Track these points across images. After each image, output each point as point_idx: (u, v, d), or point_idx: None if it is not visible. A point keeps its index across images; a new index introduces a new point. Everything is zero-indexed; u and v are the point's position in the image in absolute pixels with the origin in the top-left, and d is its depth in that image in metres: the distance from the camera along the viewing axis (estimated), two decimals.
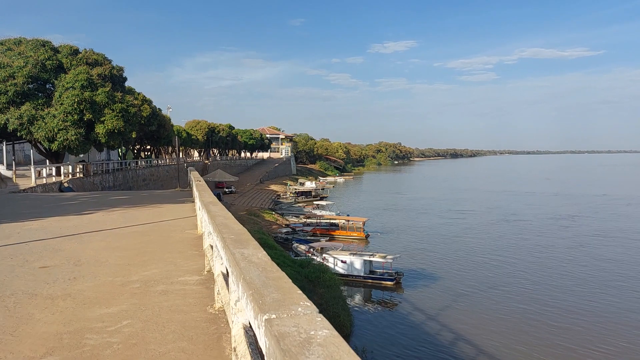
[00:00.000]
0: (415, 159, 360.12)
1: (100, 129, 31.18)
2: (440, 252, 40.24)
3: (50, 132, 29.01)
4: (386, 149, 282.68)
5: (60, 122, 29.17)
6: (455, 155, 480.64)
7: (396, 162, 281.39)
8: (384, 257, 33.52)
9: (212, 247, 6.17)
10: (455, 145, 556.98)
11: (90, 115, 30.59)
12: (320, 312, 2.11)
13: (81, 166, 34.78)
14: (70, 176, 32.04)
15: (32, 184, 24.97)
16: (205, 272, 6.21)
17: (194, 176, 14.87)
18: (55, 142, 29.50)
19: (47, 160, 34.02)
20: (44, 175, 27.19)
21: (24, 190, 22.63)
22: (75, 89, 30.19)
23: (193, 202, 15.79)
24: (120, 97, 32.05)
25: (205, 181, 61.28)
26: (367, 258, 33.79)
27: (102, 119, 31.16)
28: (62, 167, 30.78)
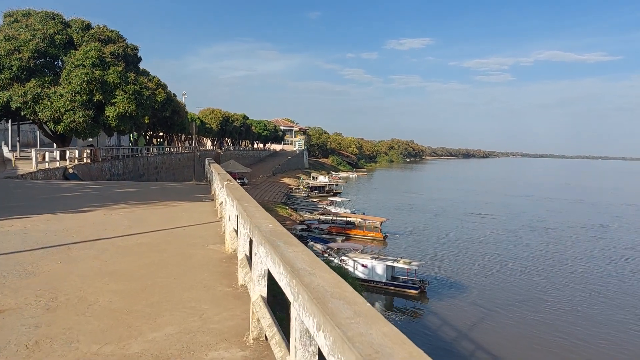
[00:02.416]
0: (428, 157, 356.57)
1: (110, 112, 28.91)
2: (466, 260, 37.66)
3: (56, 112, 26.77)
4: (399, 146, 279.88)
5: (68, 102, 26.92)
6: (467, 155, 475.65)
7: (408, 160, 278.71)
8: (409, 263, 31.07)
9: (262, 298, 3.75)
10: (467, 145, 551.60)
11: (100, 96, 28.31)
12: None
13: (89, 151, 32.54)
14: (76, 161, 29.80)
15: (33, 168, 22.73)
16: (252, 340, 3.79)
17: (216, 171, 12.44)
18: (62, 123, 27.28)
19: (55, 144, 31.86)
20: (47, 159, 24.93)
21: (21, 175, 20.41)
22: (85, 66, 27.90)
23: (212, 200, 13.43)
24: (133, 78, 29.73)
25: None
26: (390, 263, 31.35)
27: (112, 100, 28.87)
28: (67, 152, 28.54)
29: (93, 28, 31.23)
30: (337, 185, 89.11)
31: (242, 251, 5.20)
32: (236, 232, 6.06)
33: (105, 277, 5.61)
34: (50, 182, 19.24)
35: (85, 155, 32.27)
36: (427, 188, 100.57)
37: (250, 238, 4.33)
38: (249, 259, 4.98)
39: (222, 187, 8.57)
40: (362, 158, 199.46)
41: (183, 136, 71.10)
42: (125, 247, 7.44)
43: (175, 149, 62.03)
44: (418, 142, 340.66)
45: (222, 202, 9.46)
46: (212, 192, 14.16)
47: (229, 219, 7.08)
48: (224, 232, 8.13)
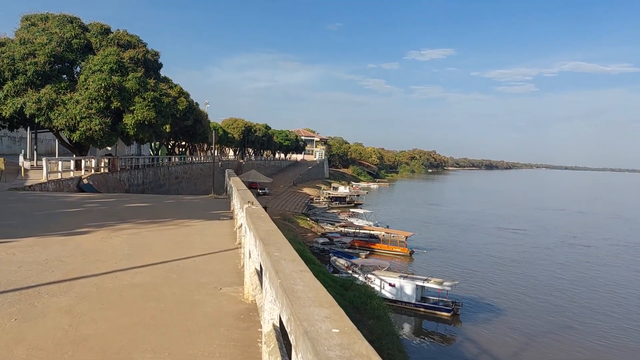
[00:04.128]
0: (450, 168, 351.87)
1: (128, 120, 27.61)
2: (500, 279, 35.24)
3: (72, 120, 25.55)
4: (420, 157, 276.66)
5: (84, 109, 25.69)
6: (490, 166, 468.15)
7: (430, 171, 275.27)
8: (440, 283, 28.91)
9: None
10: (490, 156, 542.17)
11: (119, 104, 27.04)
12: None
13: (106, 160, 31.38)
14: (92, 171, 28.59)
15: (43, 179, 21.42)
16: None
17: (236, 186, 10.68)
18: (77, 131, 26.04)
19: (73, 154, 30.76)
20: (60, 169, 23.66)
21: (29, 186, 19.09)
22: (102, 72, 26.70)
23: (231, 218, 11.75)
24: (153, 85, 28.43)
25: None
26: (420, 283, 29.22)
27: (131, 107, 27.59)
28: (82, 161, 27.31)
29: (112, 32, 30.16)
30: (358, 196, 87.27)
31: (269, 319, 3.42)
32: (259, 277, 4.33)
33: (66, 353, 3.87)
34: (57, 195, 17.78)
35: (102, 164, 31.12)
36: (451, 200, 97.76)
37: (279, 315, 2.54)
38: (279, 334, 3.21)
39: (241, 209, 6.86)
40: (383, 168, 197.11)
41: (205, 146, 70.17)
42: (114, 290, 5.73)
43: (197, 159, 61.05)
44: (440, 153, 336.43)
45: (241, 225, 7.77)
46: (232, 209, 12.50)
47: (249, 256, 5.34)
48: (243, 266, 6.40)
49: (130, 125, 27.40)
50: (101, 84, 26.15)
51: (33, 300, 5.24)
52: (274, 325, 3.40)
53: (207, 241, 9.05)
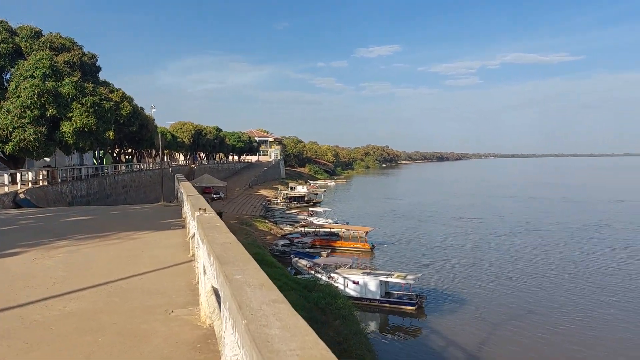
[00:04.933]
0: (403, 162, 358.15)
1: (66, 127, 25.78)
2: (461, 268, 35.53)
3: (3, 130, 23.57)
4: (374, 152, 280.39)
5: (16, 119, 23.76)
6: (441, 158, 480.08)
7: (384, 165, 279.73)
8: (404, 277, 28.73)
9: None
10: (441, 148, 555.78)
11: (54, 111, 25.18)
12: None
13: (45, 172, 29.27)
14: (30, 185, 26.53)
15: None
16: None
17: (186, 191, 9.68)
18: (10, 143, 24.05)
19: (8, 167, 28.48)
20: None
21: None
22: (35, 78, 24.79)
23: (183, 227, 10.76)
24: (91, 89, 26.68)
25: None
26: (383, 278, 28.92)
27: (69, 114, 25.78)
28: (19, 174, 25.27)
29: (44, 36, 28.14)
30: (316, 194, 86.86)
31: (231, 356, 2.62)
32: (217, 297, 3.55)
33: None
34: None
35: (41, 177, 29.01)
36: (407, 193, 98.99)
37: None
38: None
39: (193, 217, 5.99)
40: (339, 165, 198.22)
41: (154, 152, 67.62)
42: (42, 323, 4.75)
43: (145, 166, 58.68)
44: (393, 148, 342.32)
45: (194, 235, 6.89)
46: (183, 216, 11.52)
47: (204, 272, 4.52)
48: (198, 282, 5.55)
49: (69, 133, 25.59)
50: (34, 91, 24.27)
51: None
52: None
53: (156, 255, 8.08)
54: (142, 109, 48.42)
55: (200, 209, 5.57)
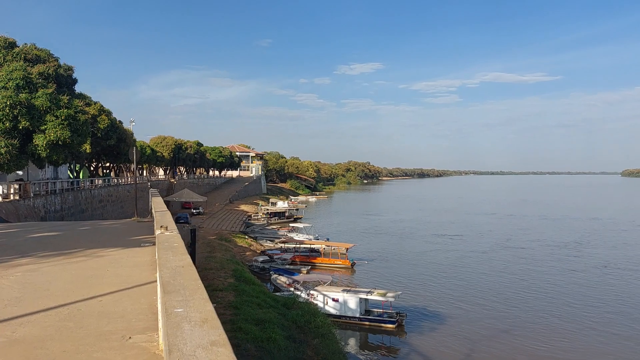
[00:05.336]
0: (384, 178, 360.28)
1: (39, 140, 25.07)
2: (442, 286, 35.41)
3: None
4: (355, 168, 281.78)
5: None
6: (422, 175, 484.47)
7: (365, 181, 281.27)
8: (384, 295, 28.43)
9: None
10: (421, 165, 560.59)
11: (27, 123, 24.48)
12: None
13: (17, 186, 28.41)
14: (0, 199, 25.69)
15: None
16: None
17: (156, 206, 9.28)
18: None
19: None
20: None
21: None
22: (7, 89, 24.12)
23: (154, 244, 10.32)
24: (66, 102, 26.07)
25: (172, 201, 54.16)
26: (363, 296, 28.58)
27: (42, 127, 25.09)
28: None
29: (18, 47, 27.53)
30: (297, 210, 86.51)
31: None
32: None
33: None
34: None
35: (12, 190, 28.15)
36: (388, 209, 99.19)
37: None
38: None
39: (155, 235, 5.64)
40: (321, 181, 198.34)
41: (132, 166, 66.56)
42: None
43: (124, 180, 57.63)
44: (374, 164, 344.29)
45: None
46: (155, 233, 11.06)
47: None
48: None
49: (42, 146, 24.88)
50: (6, 102, 23.60)
51: None
52: None
53: (121, 274, 7.65)
54: (120, 122, 47.71)
55: (161, 227, 5.23)
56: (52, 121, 25.09)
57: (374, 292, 28.66)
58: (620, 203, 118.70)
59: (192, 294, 2.32)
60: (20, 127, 24.48)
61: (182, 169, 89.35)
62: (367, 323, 27.94)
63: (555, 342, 24.64)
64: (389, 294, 28.47)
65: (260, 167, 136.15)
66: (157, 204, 10.63)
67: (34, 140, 25.28)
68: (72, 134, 25.83)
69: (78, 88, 32.36)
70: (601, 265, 42.05)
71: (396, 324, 27.26)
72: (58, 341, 4.69)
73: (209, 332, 1.67)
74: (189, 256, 3.49)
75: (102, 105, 41.26)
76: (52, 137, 25.05)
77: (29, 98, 24.60)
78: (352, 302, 28.34)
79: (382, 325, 27.55)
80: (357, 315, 28.05)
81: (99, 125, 39.34)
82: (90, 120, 30.19)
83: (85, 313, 5.63)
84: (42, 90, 25.14)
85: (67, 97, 26.37)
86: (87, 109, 31.62)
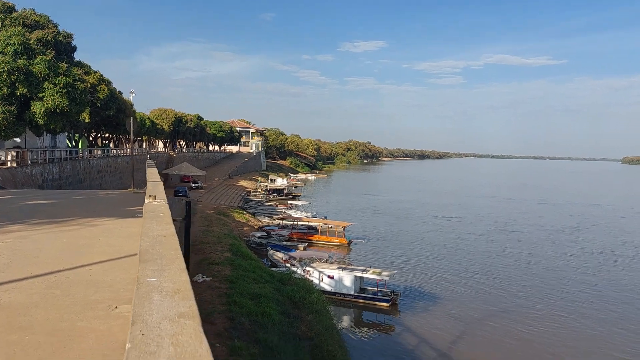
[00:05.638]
0: (384, 158, 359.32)
1: (37, 108, 24.77)
2: (438, 266, 35.56)
3: None
4: (355, 148, 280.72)
5: None
6: (422, 156, 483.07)
7: (365, 161, 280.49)
8: (379, 273, 28.62)
9: None
10: (422, 146, 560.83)
11: (25, 90, 24.15)
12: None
13: (14, 153, 28.23)
14: None
15: None
16: None
17: (149, 177, 9.15)
18: None
19: None
20: None
21: None
22: (5, 54, 23.72)
23: None
24: (65, 69, 25.68)
25: (170, 174, 53.97)
26: (358, 274, 28.76)
27: (40, 94, 24.76)
28: None
29: (17, 11, 27.00)
30: (296, 187, 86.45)
31: None
32: None
33: None
34: None
35: (9, 158, 27.98)
36: (387, 189, 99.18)
37: None
38: None
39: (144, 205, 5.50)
40: (320, 160, 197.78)
41: (132, 137, 66.22)
42: None
43: (123, 151, 57.40)
44: (374, 144, 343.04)
45: None
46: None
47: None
48: None
49: (40, 113, 24.61)
50: (4, 68, 23.21)
51: None
52: None
53: (113, 244, 7.56)
54: (120, 93, 47.25)
55: (150, 196, 5.11)
56: (50, 89, 24.75)
57: (369, 271, 28.83)
58: (619, 190, 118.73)
59: (169, 263, 2.20)
60: (18, 94, 24.15)
61: (182, 142, 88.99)
62: (361, 301, 28.17)
63: (547, 326, 24.84)
64: (384, 273, 28.66)
65: (260, 144, 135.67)
66: (152, 174, 10.51)
67: (31, 108, 24.98)
68: (70, 102, 25.51)
69: (77, 56, 31.90)
70: (598, 251, 42.21)
71: (390, 302, 27.49)
72: (43, 309, 4.60)
73: (179, 304, 1.54)
74: (172, 226, 3.37)
75: (101, 75, 40.77)
76: (49, 105, 24.73)
77: (27, 64, 24.21)
78: (347, 279, 28.52)
79: (377, 303, 27.79)
80: (352, 292, 28.26)
81: (98, 94, 38.92)
82: (89, 89, 29.83)
83: (73, 281, 5.53)
84: (41, 56, 24.73)
85: (66, 65, 25.96)
86: (86, 77, 31.20)
